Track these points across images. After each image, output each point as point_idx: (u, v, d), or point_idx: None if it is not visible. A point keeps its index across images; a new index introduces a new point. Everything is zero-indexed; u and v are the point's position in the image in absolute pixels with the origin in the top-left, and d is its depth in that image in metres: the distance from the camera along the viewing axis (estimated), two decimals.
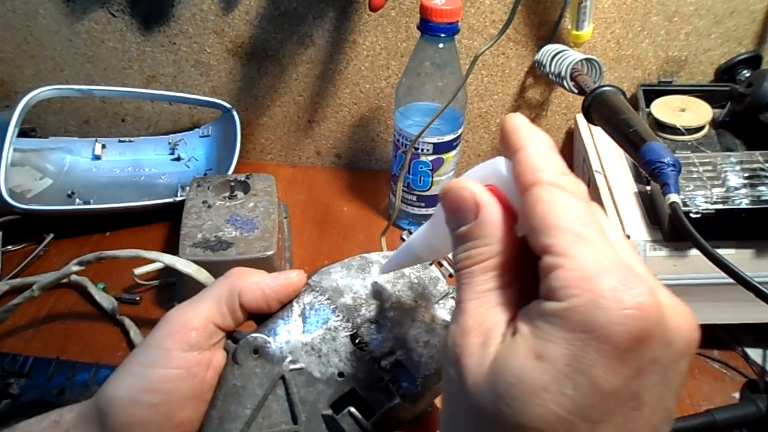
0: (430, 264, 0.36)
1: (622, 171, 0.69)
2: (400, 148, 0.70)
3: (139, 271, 0.63)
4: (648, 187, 0.65)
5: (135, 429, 0.29)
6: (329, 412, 0.31)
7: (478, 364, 0.22)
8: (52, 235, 0.72)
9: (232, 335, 0.33)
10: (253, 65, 0.80)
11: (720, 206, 0.55)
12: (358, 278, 0.34)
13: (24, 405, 0.53)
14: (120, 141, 0.83)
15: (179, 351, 0.30)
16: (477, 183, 0.25)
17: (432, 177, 0.71)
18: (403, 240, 0.38)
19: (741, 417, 0.51)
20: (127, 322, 0.62)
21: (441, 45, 0.64)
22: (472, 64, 0.65)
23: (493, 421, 0.21)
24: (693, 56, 0.74)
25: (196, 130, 0.85)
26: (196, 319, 0.31)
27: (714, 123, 0.70)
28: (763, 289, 0.42)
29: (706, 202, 0.56)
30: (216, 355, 0.32)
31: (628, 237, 0.59)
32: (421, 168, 0.71)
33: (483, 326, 0.23)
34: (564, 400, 0.20)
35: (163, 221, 0.76)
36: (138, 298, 0.66)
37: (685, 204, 0.55)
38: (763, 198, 0.56)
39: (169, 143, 0.83)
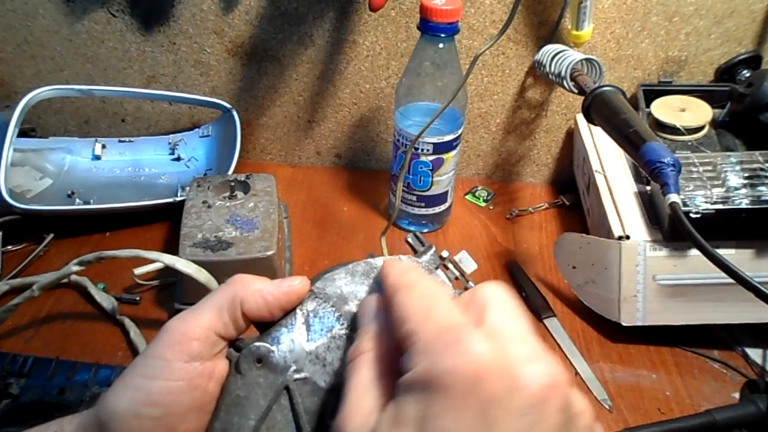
0: (436, 268, 0.35)
1: (622, 171, 0.69)
2: (400, 148, 0.70)
3: (139, 271, 0.63)
4: (648, 187, 0.65)
5: None
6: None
7: None
8: (52, 235, 0.72)
9: (234, 343, 0.32)
10: (253, 65, 0.80)
11: (720, 206, 0.55)
12: (363, 285, 0.33)
13: (24, 405, 0.53)
14: (120, 141, 0.83)
15: (180, 362, 0.29)
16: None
17: (432, 177, 0.71)
18: (408, 242, 0.37)
19: (741, 417, 0.51)
20: (127, 322, 0.62)
21: (441, 45, 0.64)
22: (472, 64, 0.65)
23: None
24: (693, 56, 0.74)
25: (196, 130, 0.85)
26: (197, 329, 0.30)
27: (714, 123, 0.70)
28: (763, 289, 0.42)
29: (706, 202, 0.56)
30: (218, 365, 0.31)
31: (623, 238, 0.59)
32: (421, 168, 0.71)
33: (361, 413, 0.26)
34: None
35: (163, 221, 0.76)
36: (138, 298, 0.66)
37: (685, 204, 0.55)
38: (763, 198, 0.56)
39: (169, 143, 0.83)
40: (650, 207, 0.63)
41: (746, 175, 0.58)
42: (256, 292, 0.32)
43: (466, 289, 0.36)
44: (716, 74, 0.75)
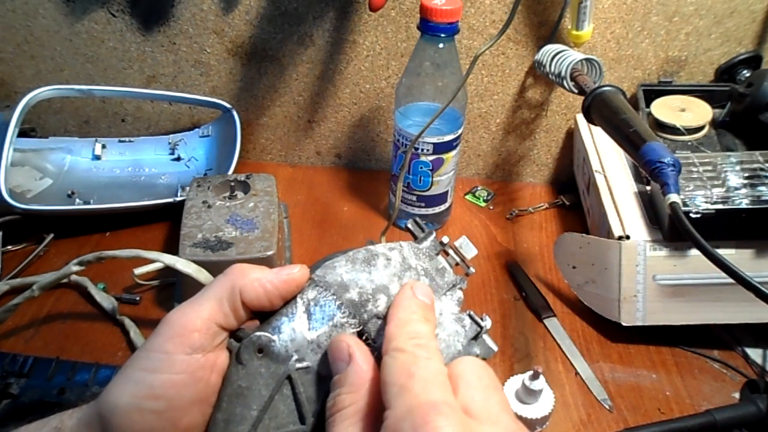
0: (437, 254, 0.35)
1: (622, 171, 0.69)
2: (400, 148, 0.70)
3: (139, 271, 0.63)
4: (648, 187, 0.65)
5: None
6: None
7: None
8: (52, 235, 0.72)
9: (235, 334, 0.32)
10: (253, 65, 0.80)
11: (720, 206, 0.55)
12: (364, 272, 0.33)
13: (24, 405, 0.53)
14: (120, 141, 0.83)
15: (182, 355, 0.29)
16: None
17: (432, 177, 0.71)
18: (408, 228, 0.37)
19: (741, 417, 0.51)
20: (127, 322, 0.62)
21: (441, 45, 0.64)
22: (472, 64, 0.65)
23: None
24: (693, 56, 0.74)
25: (196, 130, 0.85)
26: (198, 321, 0.30)
27: (714, 123, 0.70)
28: (763, 289, 0.42)
29: (706, 202, 0.56)
30: (220, 356, 0.31)
31: (623, 238, 0.59)
32: (421, 168, 0.71)
33: None
34: None
35: (163, 221, 0.76)
36: (138, 298, 0.66)
37: (685, 204, 0.55)
38: (763, 198, 0.56)
39: (169, 143, 0.83)
40: (650, 207, 0.63)
41: (746, 175, 0.58)
42: (255, 281, 0.31)
43: (467, 275, 0.36)
44: (716, 74, 0.75)
